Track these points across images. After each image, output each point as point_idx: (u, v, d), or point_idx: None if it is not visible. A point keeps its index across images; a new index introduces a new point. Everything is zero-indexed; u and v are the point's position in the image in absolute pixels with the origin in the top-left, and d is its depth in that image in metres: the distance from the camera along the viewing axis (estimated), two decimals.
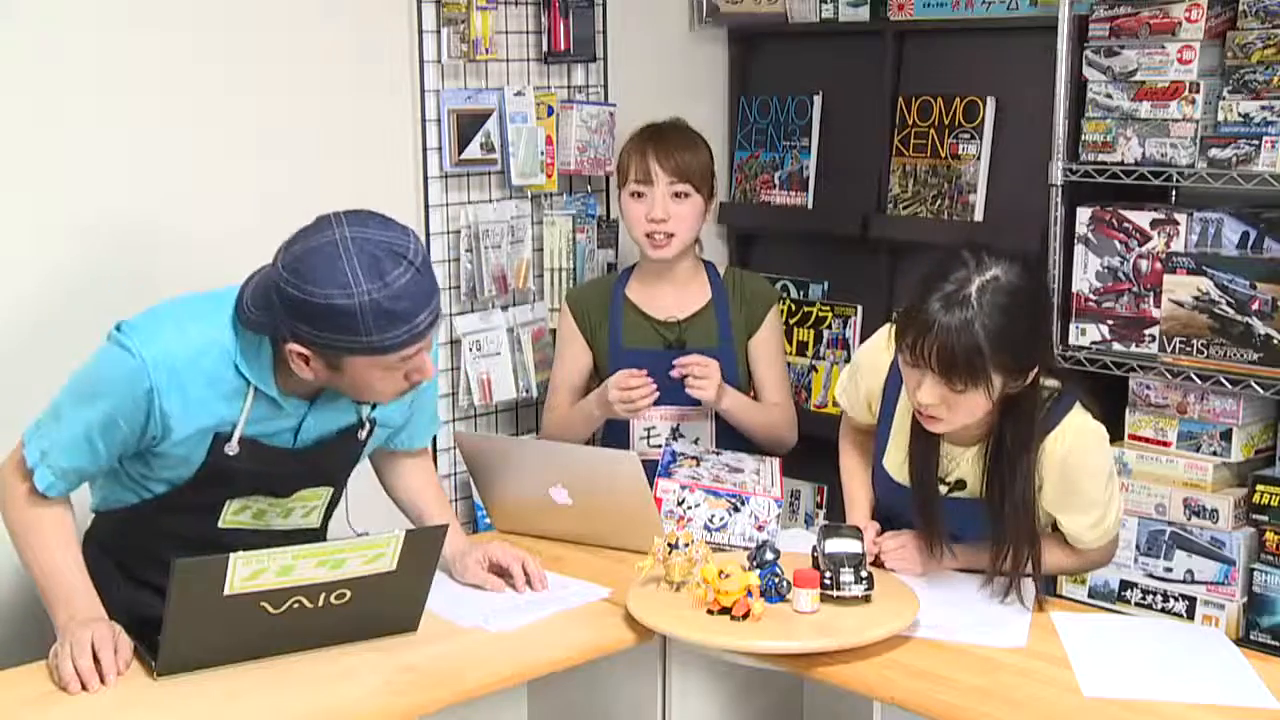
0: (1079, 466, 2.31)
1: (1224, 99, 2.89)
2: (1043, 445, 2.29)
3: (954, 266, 2.21)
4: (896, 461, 2.45)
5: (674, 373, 2.91)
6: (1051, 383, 2.33)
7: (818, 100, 3.73)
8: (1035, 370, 2.25)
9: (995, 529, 2.33)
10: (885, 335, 2.41)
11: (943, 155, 3.44)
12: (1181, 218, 2.95)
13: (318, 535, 2.42)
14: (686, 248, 3.02)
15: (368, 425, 2.33)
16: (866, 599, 2.24)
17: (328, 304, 1.97)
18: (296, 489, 2.32)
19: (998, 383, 2.20)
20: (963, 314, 2.15)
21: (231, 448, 2.18)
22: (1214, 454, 2.94)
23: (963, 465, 2.39)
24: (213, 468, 2.20)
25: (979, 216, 3.38)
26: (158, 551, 2.23)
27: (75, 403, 2.16)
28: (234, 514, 2.29)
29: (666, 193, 2.94)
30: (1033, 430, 2.29)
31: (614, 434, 3.03)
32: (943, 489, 2.39)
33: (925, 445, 2.37)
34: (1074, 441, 2.30)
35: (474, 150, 3.26)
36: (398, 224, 2.09)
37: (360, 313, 1.98)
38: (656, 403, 2.97)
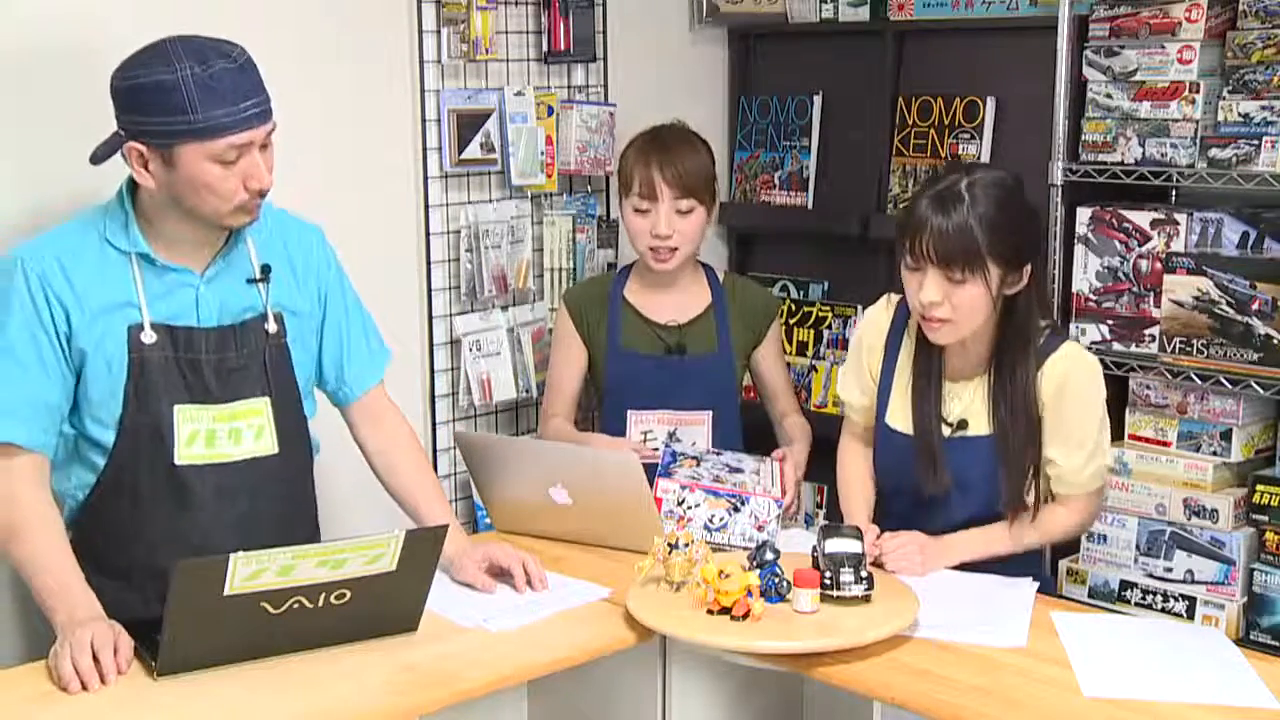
0: (1076, 391, 2.40)
1: (1224, 99, 2.89)
2: (1041, 371, 2.39)
3: (946, 175, 2.37)
4: (900, 411, 2.50)
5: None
6: (1044, 323, 2.44)
7: (818, 100, 3.73)
8: (1029, 269, 2.36)
9: (999, 449, 2.41)
10: (884, 299, 2.56)
11: (943, 155, 3.44)
12: (1181, 218, 2.96)
13: (281, 463, 2.36)
14: (689, 258, 3.01)
15: (274, 315, 2.35)
16: (866, 599, 2.24)
17: (153, 81, 2.12)
18: (231, 393, 2.30)
19: (994, 274, 2.31)
20: (956, 205, 2.29)
21: (147, 335, 2.23)
22: (1214, 454, 2.94)
23: (965, 403, 2.45)
24: (138, 368, 2.23)
25: None
26: (133, 528, 2.27)
27: None
28: (187, 445, 2.27)
29: (671, 209, 2.91)
30: (1030, 335, 2.39)
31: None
32: (947, 430, 2.45)
33: (927, 382, 2.45)
34: (1071, 365, 2.41)
35: (474, 150, 3.26)
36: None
37: (183, 86, 2.11)
38: (654, 407, 2.97)
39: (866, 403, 2.60)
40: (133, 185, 2.27)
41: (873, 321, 2.59)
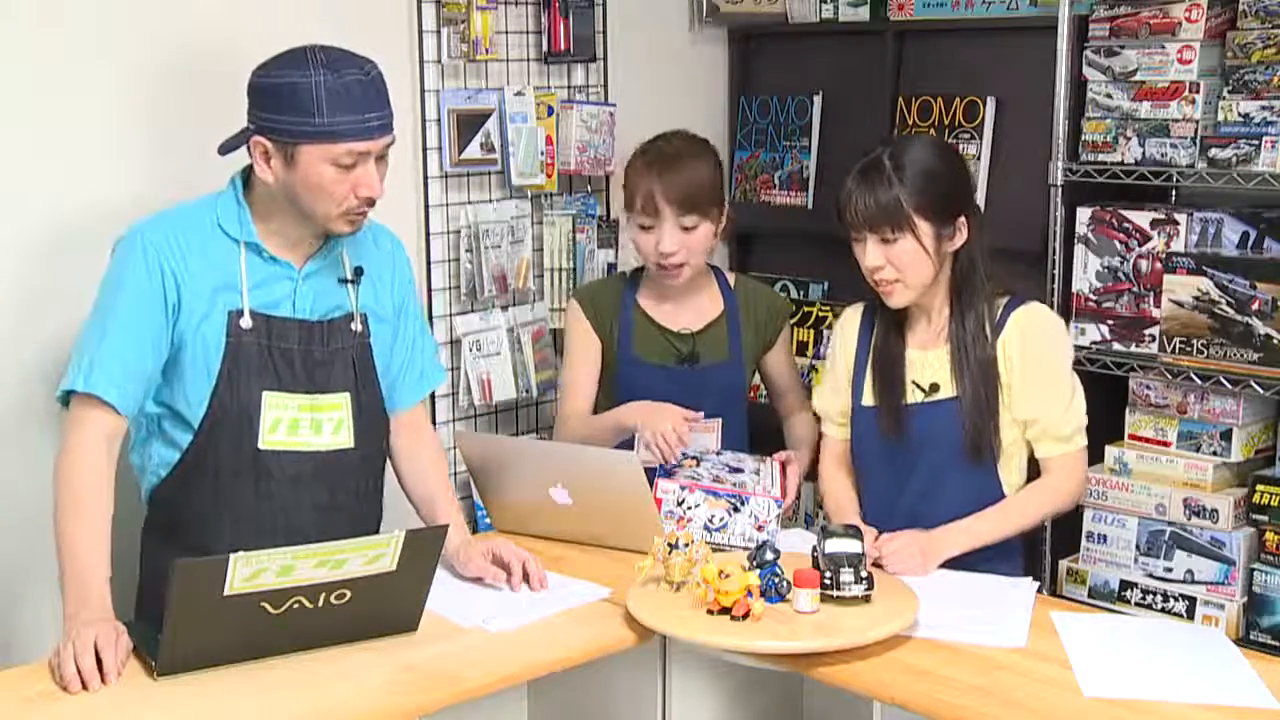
0: (1040, 340, 2.50)
1: (1224, 99, 2.89)
2: (1004, 330, 2.49)
3: (871, 151, 2.50)
4: (871, 388, 2.60)
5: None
6: (1001, 290, 2.55)
7: (818, 100, 3.73)
8: (965, 223, 2.48)
9: (960, 394, 2.48)
10: (851, 307, 2.71)
11: None
12: (1181, 218, 2.96)
13: (356, 458, 2.43)
14: (699, 269, 2.97)
15: (360, 316, 2.42)
16: (866, 599, 2.24)
17: (288, 82, 2.24)
18: (316, 385, 2.38)
19: (925, 228, 2.43)
20: (876, 172, 2.44)
21: (245, 321, 2.32)
22: (1214, 454, 2.94)
23: (935, 369, 2.54)
24: (234, 352, 2.32)
25: None
26: (214, 507, 2.34)
27: (103, 306, 2.30)
28: (270, 431, 2.34)
29: (674, 225, 2.85)
30: (980, 284, 2.50)
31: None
32: (920, 395, 2.54)
33: (893, 352, 2.57)
34: (1033, 319, 2.52)
35: (474, 150, 3.27)
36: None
37: (314, 90, 2.22)
38: None
39: (841, 404, 2.65)
40: (246, 178, 2.37)
41: (842, 326, 2.71)
